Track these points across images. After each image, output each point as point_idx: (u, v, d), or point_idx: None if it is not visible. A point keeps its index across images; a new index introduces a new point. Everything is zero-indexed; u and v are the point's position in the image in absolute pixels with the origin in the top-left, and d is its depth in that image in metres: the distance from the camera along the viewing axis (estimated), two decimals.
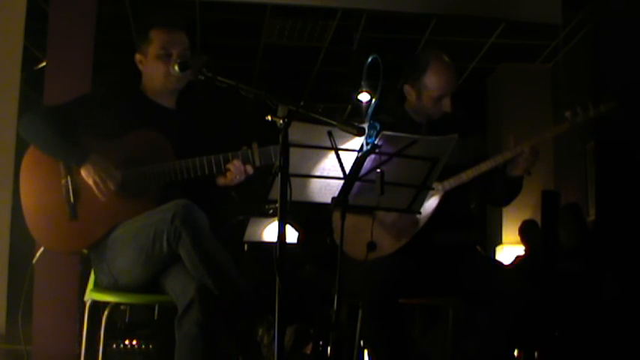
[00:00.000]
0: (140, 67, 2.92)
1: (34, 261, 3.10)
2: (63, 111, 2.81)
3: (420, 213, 2.76)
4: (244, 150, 2.74)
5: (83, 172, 2.68)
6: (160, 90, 2.89)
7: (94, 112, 2.79)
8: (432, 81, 3.01)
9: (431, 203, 2.92)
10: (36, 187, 2.76)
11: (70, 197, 2.72)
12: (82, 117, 2.78)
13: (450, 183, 2.93)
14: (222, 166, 2.72)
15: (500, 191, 3.06)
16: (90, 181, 2.67)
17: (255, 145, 2.73)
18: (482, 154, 3.00)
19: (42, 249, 2.91)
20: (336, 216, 2.90)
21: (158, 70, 2.83)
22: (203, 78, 2.72)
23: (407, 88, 3.08)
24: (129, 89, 2.95)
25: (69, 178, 2.72)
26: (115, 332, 4.06)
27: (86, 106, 2.82)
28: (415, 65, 3.06)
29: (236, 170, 2.71)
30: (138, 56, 2.91)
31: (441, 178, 2.89)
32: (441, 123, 3.01)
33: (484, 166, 2.92)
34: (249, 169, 2.72)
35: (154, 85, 2.89)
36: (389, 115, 3.13)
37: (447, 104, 3.02)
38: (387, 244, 2.91)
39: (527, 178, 3.00)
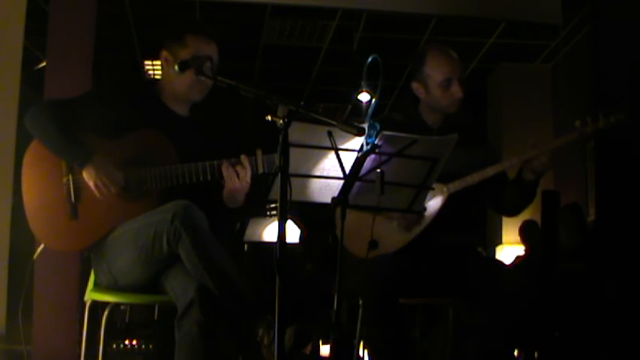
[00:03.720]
0: (163, 64, 2.88)
1: (35, 257, 3.11)
2: (69, 106, 2.79)
3: (420, 213, 2.76)
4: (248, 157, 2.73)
5: (85, 174, 2.67)
6: (178, 96, 2.86)
7: (101, 110, 2.77)
8: (432, 67, 3.02)
9: (435, 204, 2.92)
10: (37, 185, 2.76)
11: (70, 196, 2.71)
12: (89, 114, 2.77)
13: (455, 186, 2.93)
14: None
15: (511, 199, 3.05)
16: (91, 183, 2.67)
17: (259, 152, 2.72)
18: (492, 162, 2.98)
19: (42, 246, 2.91)
20: (339, 213, 2.90)
21: (183, 76, 2.78)
22: (203, 78, 2.73)
23: (414, 85, 3.08)
24: (140, 89, 2.94)
25: (70, 177, 2.72)
26: (115, 332, 4.06)
27: (94, 104, 2.80)
28: (416, 60, 3.09)
29: (230, 175, 2.69)
30: (164, 53, 2.86)
31: (446, 182, 2.89)
32: (452, 128, 2.99)
33: (490, 171, 2.91)
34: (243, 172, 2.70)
35: (174, 89, 2.85)
36: (401, 114, 3.13)
37: (457, 90, 3.01)
38: (393, 241, 2.91)
39: None
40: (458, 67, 3.04)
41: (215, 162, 2.70)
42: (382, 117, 3.06)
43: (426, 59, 3.04)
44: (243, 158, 2.70)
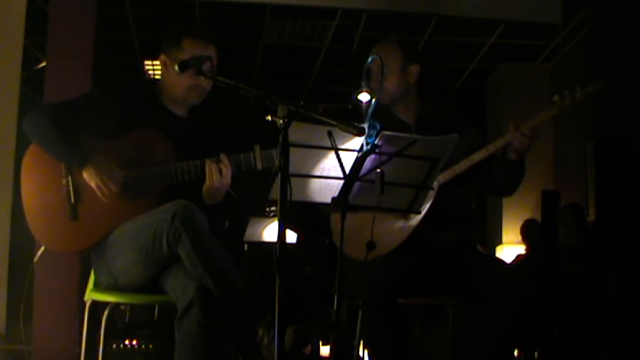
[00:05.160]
0: (162, 68, 2.89)
1: (35, 260, 3.11)
2: (68, 109, 2.79)
3: (420, 212, 2.76)
4: (246, 153, 2.73)
5: (85, 175, 2.67)
6: (177, 99, 2.87)
7: (100, 111, 2.77)
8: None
9: (427, 199, 2.91)
10: (37, 186, 2.76)
11: (70, 197, 2.71)
12: (88, 115, 2.77)
13: (444, 176, 2.93)
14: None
15: (502, 179, 3.04)
16: (92, 184, 2.67)
17: (257, 148, 2.72)
18: (479, 148, 2.98)
19: (43, 248, 2.91)
20: (335, 217, 2.90)
21: (182, 79, 2.79)
22: (202, 80, 2.73)
23: None
24: (139, 89, 2.94)
25: (70, 178, 2.72)
26: (115, 332, 4.06)
27: (93, 105, 2.80)
28: None
29: (212, 172, 2.69)
30: (163, 57, 2.87)
31: None
32: (430, 122, 3.00)
33: (477, 157, 2.91)
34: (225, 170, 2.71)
35: (174, 93, 2.86)
36: (377, 118, 3.12)
37: (386, 82, 3.02)
38: (389, 240, 2.91)
39: (527, 177, 2.99)
40: (385, 56, 3.01)
41: (214, 159, 2.70)
42: None
43: None
44: (223, 157, 2.70)
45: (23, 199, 2.77)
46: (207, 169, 2.69)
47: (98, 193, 2.67)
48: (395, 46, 3.09)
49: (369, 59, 2.82)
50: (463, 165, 2.91)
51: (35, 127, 2.74)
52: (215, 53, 2.84)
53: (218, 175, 2.69)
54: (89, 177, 2.67)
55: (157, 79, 2.97)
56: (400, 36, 3.21)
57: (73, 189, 2.72)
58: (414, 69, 3.09)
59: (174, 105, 2.89)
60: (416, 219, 2.91)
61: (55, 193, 2.73)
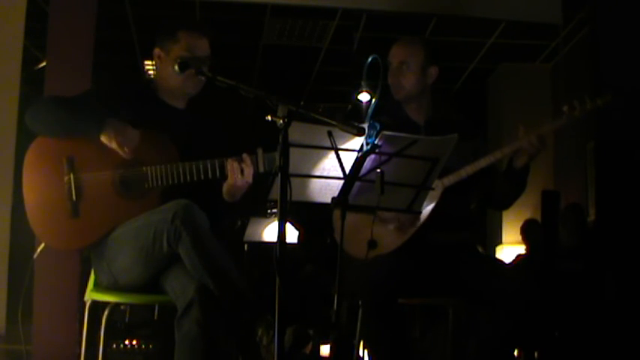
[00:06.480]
0: (156, 61, 2.90)
1: (35, 256, 3.11)
2: (69, 101, 2.79)
3: (420, 212, 2.76)
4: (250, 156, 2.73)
5: (104, 139, 2.65)
6: (174, 91, 2.88)
7: (101, 108, 2.78)
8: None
9: (431, 200, 2.91)
10: (38, 184, 2.76)
11: (72, 195, 2.72)
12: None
13: (450, 179, 2.93)
14: (225, 170, 2.72)
15: (502, 191, 3.04)
16: (113, 145, 2.65)
17: (259, 151, 2.72)
18: (484, 154, 2.99)
19: (43, 245, 2.91)
20: (337, 215, 2.90)
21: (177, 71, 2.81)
22: (203, 78, 2.73)
23: None
24: (138, 87, 2.94)
25: (71, 175, 2.72)
26: (115, 332, 4.06)
27: (93, 103, 2.81)
28: None
29: (234, 170, 2.70)
30: (157, 50, 2.88)
31: (440, 177, 2.89)
32: (440, 124, 3.01)
33: (483, 162, 2.91)
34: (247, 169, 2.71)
35: (169, 85, 2.87)
36: (387, 116, 3.13)
37: (405, 79, 3.05)
38: (390, 241, 2.91)
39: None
40: (399, 53, 3.07)
41: (216, 160, 2.71)
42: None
43: None
44: (246, 157, 2.70)
45: (25, 196, 2.77)
46: (228, 167, 2.69)
47: (120, 151, 2.65)
48: (418, 46, 3.11)
49: (370, 59, 2.82)
50: (469, 169, 2.92)
51: (40, 114, 2.73)
52: (208, 46, 2.86)
53: (240, 175, 2.69)
54: (109, 139, 2.65)
55: (154, 79, 2.97)
56: (400, 36, 3.21)
57: (75, 186, 2.72)
58: (433, 70, 3.11)
59: (172, 98, 2.89)
60: (419, 217, 2.92)
61: (56, 190, 2.73)
